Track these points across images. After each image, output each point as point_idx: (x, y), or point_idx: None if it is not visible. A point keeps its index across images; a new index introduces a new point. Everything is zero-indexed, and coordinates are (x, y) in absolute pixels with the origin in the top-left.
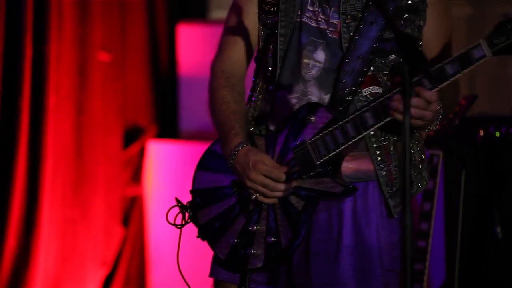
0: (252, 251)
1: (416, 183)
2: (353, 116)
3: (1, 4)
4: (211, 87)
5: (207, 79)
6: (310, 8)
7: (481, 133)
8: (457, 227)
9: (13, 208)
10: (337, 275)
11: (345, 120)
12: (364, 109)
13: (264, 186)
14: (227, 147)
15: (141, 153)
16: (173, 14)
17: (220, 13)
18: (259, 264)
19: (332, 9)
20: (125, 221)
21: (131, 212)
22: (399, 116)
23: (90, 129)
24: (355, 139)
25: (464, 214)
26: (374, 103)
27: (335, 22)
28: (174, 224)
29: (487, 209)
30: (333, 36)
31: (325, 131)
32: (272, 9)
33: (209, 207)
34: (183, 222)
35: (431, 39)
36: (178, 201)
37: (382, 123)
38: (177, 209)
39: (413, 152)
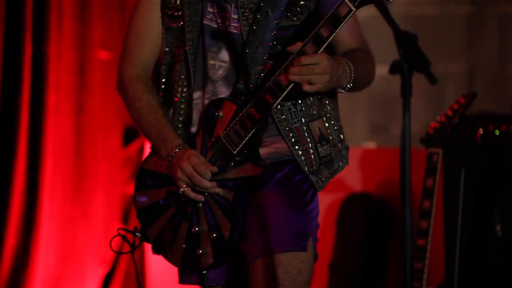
0: (201, 251)
1: (336, 161)
2: (254, 100)
3: (1, 3)
4: (129, 92)
5: None
6: (210, 10)
7: (481, 131)
8: (457, 225)
9: (13, 207)
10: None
11: (248, 106)
12: (261, 91)
13: (191, 177)
14: (167, 146)
15: (141, 152)
16: None
17: None
18: (210, 261)
19: (232, 5)
20: (125, 219)
21: (131, 210)
22: (293, 78)
23: (90, 128)
24: (261, 121)
25: (464, 213)
26: (268, 83)
27: (236, 17)
28: (123, 253)
29: (486, 207)
30: (235, 31)
31: (234, 121)
32: (175, 13)
33: (155, 222)
34: (134, 247)
35: (346, 41)
36: (123, 230)
37: (280, 98)
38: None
39: (330, 132)
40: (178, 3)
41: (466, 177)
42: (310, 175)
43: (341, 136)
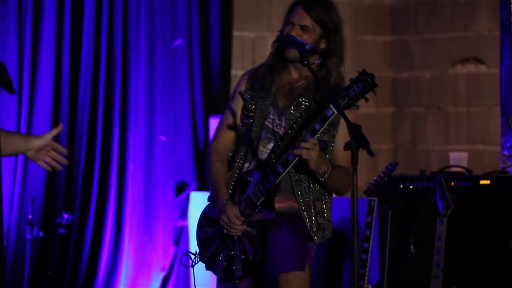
0: (234, 267)
1: (327, 230)
2: (271, 170)
3: (99, 106)
4: (208, 160)
5: None
6: (271, 116)
7: (401, 186)
8: (386, 246)
9: (106, 234)
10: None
11: (268, 174)
12: (277, 164)
13: (227, 224)
14: (218, 200)
15: (187, 199)
16: (207, 109)
17: None
18: (240, 274)
19: (285, 117)
20: (176, 242)
21: (180, 236)
22: (297, 152)
23: (154, 184)
24: (276, 183)
25: (391, 237)
26: (281, 159)
27: (284, 125)
28: (187, 266)
29: (404, 234)
30: (280, 132)
31: (258, 184)
32: (249, 114)
33: (208, 249)
34: (194, 263)
35: (338, 159)
36: (188, 252)
37: (287, 169)
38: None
39: (326, 211)
40: (253, 108)
41: (392, 215)
42: (311, 232)
43: (330, 218)
